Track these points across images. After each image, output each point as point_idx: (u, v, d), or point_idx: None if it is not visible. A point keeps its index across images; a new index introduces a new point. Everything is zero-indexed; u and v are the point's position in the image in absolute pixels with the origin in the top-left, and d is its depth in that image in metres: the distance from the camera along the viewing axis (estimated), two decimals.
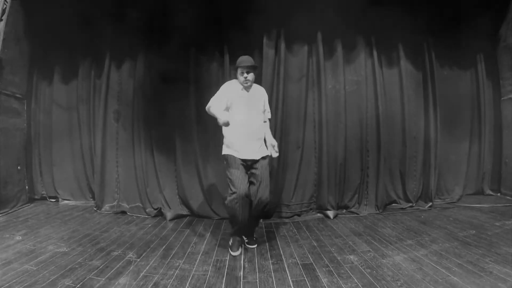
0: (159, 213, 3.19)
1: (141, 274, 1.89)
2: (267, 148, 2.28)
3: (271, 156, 2.27)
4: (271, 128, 2.57)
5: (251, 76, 2.20)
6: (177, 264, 2.05)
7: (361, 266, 1.97)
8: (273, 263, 2.07)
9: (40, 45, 3.54)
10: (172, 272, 1.93)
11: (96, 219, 3.04)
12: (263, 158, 2.21)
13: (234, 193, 2.09)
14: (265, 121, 2.36)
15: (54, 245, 2.30)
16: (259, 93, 2.35)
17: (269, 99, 3.11)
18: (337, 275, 1.87)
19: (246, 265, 2.04)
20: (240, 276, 1.89)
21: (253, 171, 2.18)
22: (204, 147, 3.24)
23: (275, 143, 2.25)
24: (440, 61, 3.63)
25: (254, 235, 2.44)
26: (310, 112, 3.30)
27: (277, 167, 3.13)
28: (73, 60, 3.58)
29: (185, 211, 3.21)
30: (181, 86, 3.21)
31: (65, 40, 3.50)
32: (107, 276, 1.85)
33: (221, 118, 2.05)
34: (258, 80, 3.20)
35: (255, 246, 2.35)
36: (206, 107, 2.25)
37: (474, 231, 2.53)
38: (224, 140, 2.26)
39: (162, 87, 3.24)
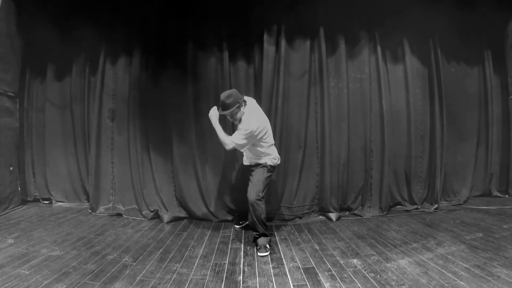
0: (156, 216, 3.13)
1: (137, 279, 1.86)
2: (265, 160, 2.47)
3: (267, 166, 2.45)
4: (272, 131, 2.61)
5: (236, 115, 2.35)
6: (175, 268, 2.02)
7: (365, 270, 1.94)
8: (273, 267, 2.04)
9: (33, 41, 3.46)
10: (169, 276, 1.90)
11: (90, 221, 2.99)
12: (255, 165, 2.46)
13: None
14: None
15: (47, 249, 2.26)
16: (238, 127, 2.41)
17: (270, 98, 3.09)
18: (339, 279, 1.84)
19: (246, 269, 2.02)
20: (240, 281, 1.86)
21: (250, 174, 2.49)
22: (202, 146, 3.16)
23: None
24: (447, 57, 3.55)
25: (259, 243, 2.36)
26: (312, 111, 3.22)
27: (278, 168, 3.04)
28: (67, 57, 3.49)
29: (182, 214, 3.15)
30: (179, 83, 3.12)
31: (58, 36, 3.42)
32: (102, 280, 1.82)
33: None
34: (259, 78, 3.16)
35: (264, 254, 2.26)
36: None
37: (481, 234, 2.49)
38: None
39: (159, 84, 3.16)
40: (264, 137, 2.37)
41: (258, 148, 2.40)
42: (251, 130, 2.25)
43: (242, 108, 2.33)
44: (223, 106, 2.29)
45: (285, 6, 3.07)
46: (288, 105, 3.15)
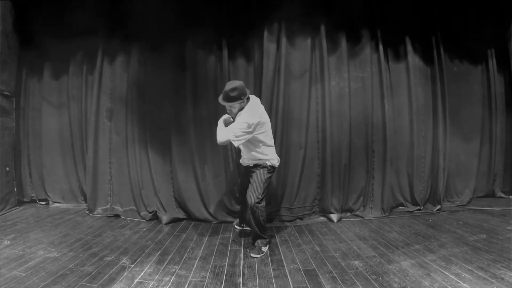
0: (154, 217, 3.09)
1: (136, 281, 1.85)
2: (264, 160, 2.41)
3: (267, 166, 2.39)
4: (272, 131, 2.54)
5: (233, 108, 2.28)
6: (173, 270, 2.01)
7: (366, 272, 1.93)
8: (274, 269, 2.02)
9: (29, 40, 3.42)
10: (168, 278, 1.89)
11: (88, 222, 2.96)
12: (254, 166, 2.38)
13: None
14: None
15: (44, 250, 2.24)
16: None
17: (270, 97, 3.04)
18: (341, 281, 1.82)
19: (246, 271, 2.01)
20: (240, 283, 1.85)
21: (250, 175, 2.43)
22: (201, 146, 3.11)
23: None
24: (450, 56, 3.51)
25: (255, 244, 2.35)
26: (313, 110, 3.17)
27: (279, 168, 3.00)
28: (64, 55, 3.45)
29: (181, 215, 3.11)
30: (177, 82, 3.08)
31: (55, 34, 3.36)
32: (99, 282, 1.81)
33: None
34: (258, 77, 3.12)
35: (257, 255, 2.26)
36: None
37: (484, 236, 2.48)
38: None
39: (157, 82, 3.11)
40: (262, 137, 2.30)
41: (256, 149, 2.33)
42: (252, 123, 2.17)
43: (242, 104, 2.26)
44: (225, 97, 2.22)
45: (286, 3, 3.01)
46: (288, 105, 3.10)
